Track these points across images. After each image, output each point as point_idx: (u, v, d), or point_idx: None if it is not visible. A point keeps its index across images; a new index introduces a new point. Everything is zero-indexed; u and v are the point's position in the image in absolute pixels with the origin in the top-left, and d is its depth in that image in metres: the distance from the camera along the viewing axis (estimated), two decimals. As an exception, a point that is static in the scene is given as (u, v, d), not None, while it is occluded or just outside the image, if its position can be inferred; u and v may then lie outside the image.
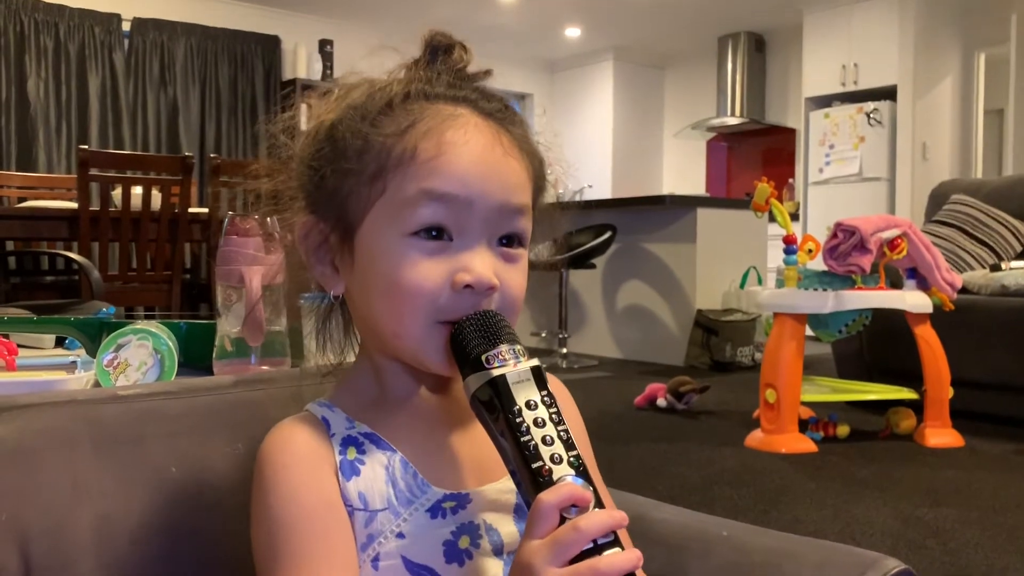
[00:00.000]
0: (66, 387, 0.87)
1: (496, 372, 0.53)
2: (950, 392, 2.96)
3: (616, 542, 0.49)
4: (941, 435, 2.95)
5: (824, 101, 6.80)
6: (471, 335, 0.55)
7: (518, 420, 0.52)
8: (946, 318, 3.03)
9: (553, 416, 0.52)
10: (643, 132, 8.57)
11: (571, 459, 0.51)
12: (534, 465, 0.50)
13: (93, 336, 1.11)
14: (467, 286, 0.57)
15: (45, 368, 0.96)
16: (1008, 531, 2.06)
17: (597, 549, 0.48)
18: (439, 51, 0.63)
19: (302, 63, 7.16)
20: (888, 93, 6.36)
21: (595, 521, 0.48)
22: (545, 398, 0.53)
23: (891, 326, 3.21)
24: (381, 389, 0.64)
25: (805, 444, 2.88)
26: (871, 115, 6.40)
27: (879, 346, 3.57)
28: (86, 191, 3.40)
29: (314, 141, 0.62)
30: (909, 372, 3.13)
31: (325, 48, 7.25)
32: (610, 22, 7.61)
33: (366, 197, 0.59)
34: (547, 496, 0.49)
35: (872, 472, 2.62)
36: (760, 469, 2.64)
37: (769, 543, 0.76)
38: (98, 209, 3.47)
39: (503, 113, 0.62)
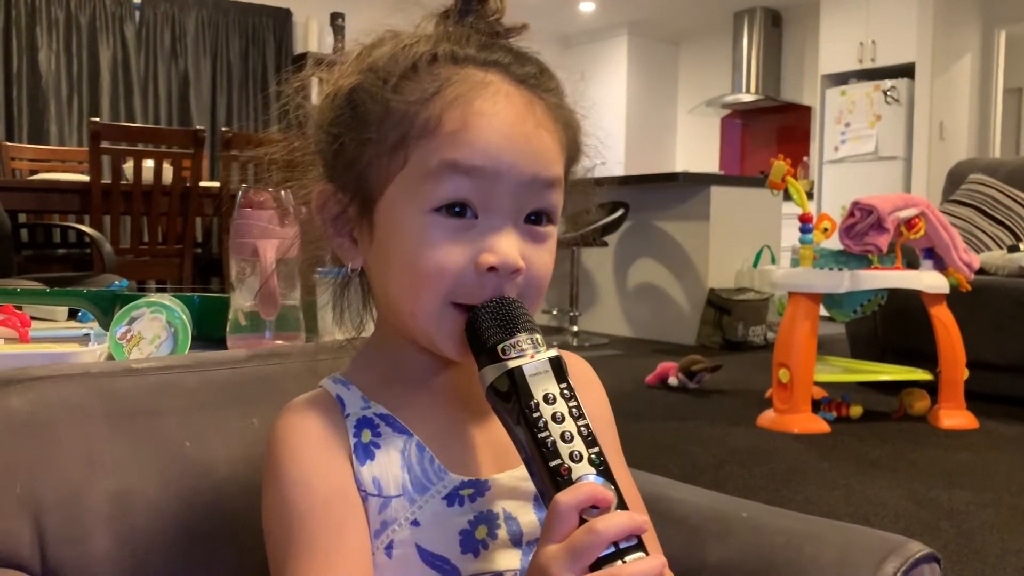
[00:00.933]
0: (79, 360, 0.86)
1: (513, 364, 0.50)
2: (965, 373, 2.94)
3: (639, 546, 0.46)
4: (955, 417, 2.94)
5: (840, 78, 6.73)
6: (487, 323, 0.52)
7: (535, 415, 0.49)
8: (962, 299, 3.00)
9: (573, 410, 0.49)
10: (657, 108, 8.50)
11: (592, 456, 0.48)
12: (552, 463, 0.48)
13: (106, 309, 1.10)
14: (491, 268, 0.53)
15: (58, 340, 0.95)
16: (1023, 513, 2.05)
17: (619, 554, 0.45)
18: (473, 0, 0.58)
19: (313, 36, 7.12)
20: (906, 71, 6.28)
21: (613, 523, 0.45)
22: (564, 391, 0.50)
23: (906, 306, 3.18)
24: (398, 367, 0.61)
25: (818, 424, 2.86)
26: (888, 93, 6.32)
27: (893, 326, 3.54)
28: (98, 164, 3.39)
29: (333, 105, 0.58)
30: (923, 353, 3.11)
31: (336, 21, 7.19)
32: (625, -3, 7.53)
33: (386, 168, 0.56)
34: (564, 497, 0.46)
35: (885, 453, 2.60)
36: (772, 449, 2.63)
37: (790, 525, 0.75)
38: (110, 182, 3.47)
39: (537, 79, 0.57)
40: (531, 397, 0.49)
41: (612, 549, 0.45)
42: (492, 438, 0.60)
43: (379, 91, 0.56)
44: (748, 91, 7.70)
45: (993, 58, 6.47)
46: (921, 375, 3.06)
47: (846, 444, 2.70)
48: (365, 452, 0.58)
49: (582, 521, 0.46)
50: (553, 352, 0.52)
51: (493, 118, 0.54)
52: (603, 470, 0.48)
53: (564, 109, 0.59)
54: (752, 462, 2.48)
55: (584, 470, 0.47)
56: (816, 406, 2.99)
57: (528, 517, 0.59)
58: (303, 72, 0.64)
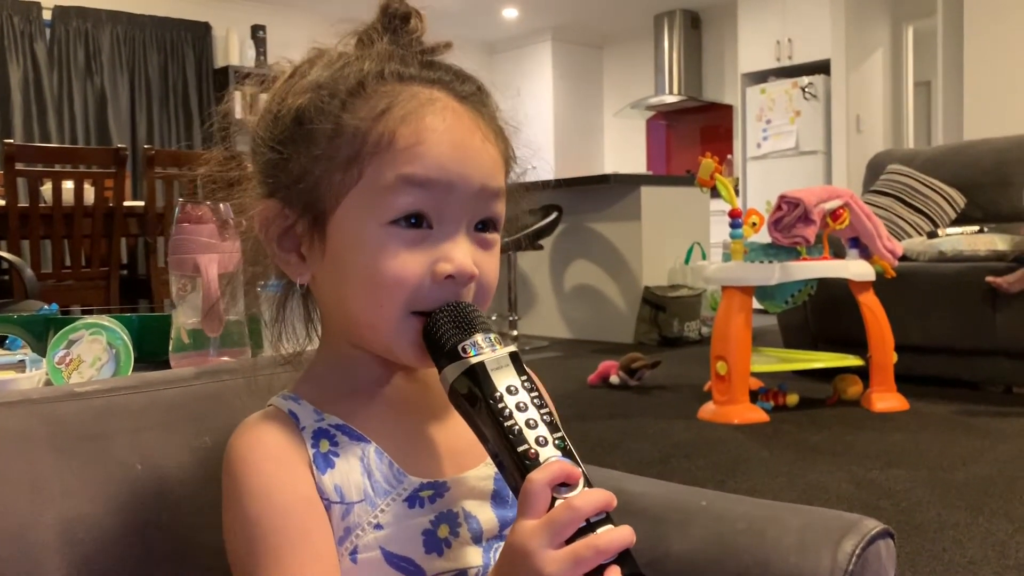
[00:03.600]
0: (17, 387, 0.83)
1: (474, 360, 0.52)
2: (894, 357, 3.04)
3: (608, 519, 0.48)
4: (887, 399, 3.04)
5: (760, 77, 6.90)
6: (444, 326, 0.54)
7: (500, 406, 0.51)
8: (888, 285, 3.11)
9: (535, 400, 0.51)
10: (583, 112, 8.59)
11: (556, 441, 0.50)
12: (520, 449, 0.49)
13: (39, 334, 1.06)
14: (448, 276, 0.56)
15: (-8, 368, 0.91)
16: (956, 488, 2.13)
17: (590, 527, 0.47)
18: (395, 18, 0.60)
19: (234, 50, 6.99)
20: (822, 67, 6.47)
21: (590, 500, 0.47)
22: (526, 383, 0.52)
23: (834, 295, 3.28)
24: (349, 379, 0.62)
25: (757, 414, 2.93)
26: (806, 89, 6.51)
27: (823, 315, 3.64)
28: (13, 187, 3.27)
29: (278, 123, 0.59)
30: (853, 340, 3.21)
31: (258, 34, 7.09)
32: (547, 2, 7.59)
33: (339, 183, 0.57)
34: (537, 475, 0.48)
35: (823, 438, 2.67)
36: (714, 440, 2.68)
37: (749, 510, 0.76)
38: (27, 205, 3.34)
39: (478, 96, 0.61)
40: (495, 389, 0.51)
41: (584, 523, 0.47)
42: (447, 442, 0.62)
43: (328, 107, 0.57)
44: (671, 92, 7.84)
45: (903, 53, 6.72)
46: (852, 361, 3.15)
47: (785, 432, 2.77)
48: (325, 461, 0.58)
49: (553, 500, 0.48)
50: (511, 347, 0.54)
51: (444, 133, 0.56)
52: (568, 452, 0.50)
53: (500, 123, 0.62)
54: (696, 454, 2.52)
55: (550, 453, 0.50)
56: (754, 396, 3.06)
57: (487, 515, 0.61)
58: (231, 88, 0.66)
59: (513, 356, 0.53)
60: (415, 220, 0.56)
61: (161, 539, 0.68)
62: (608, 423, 2.98)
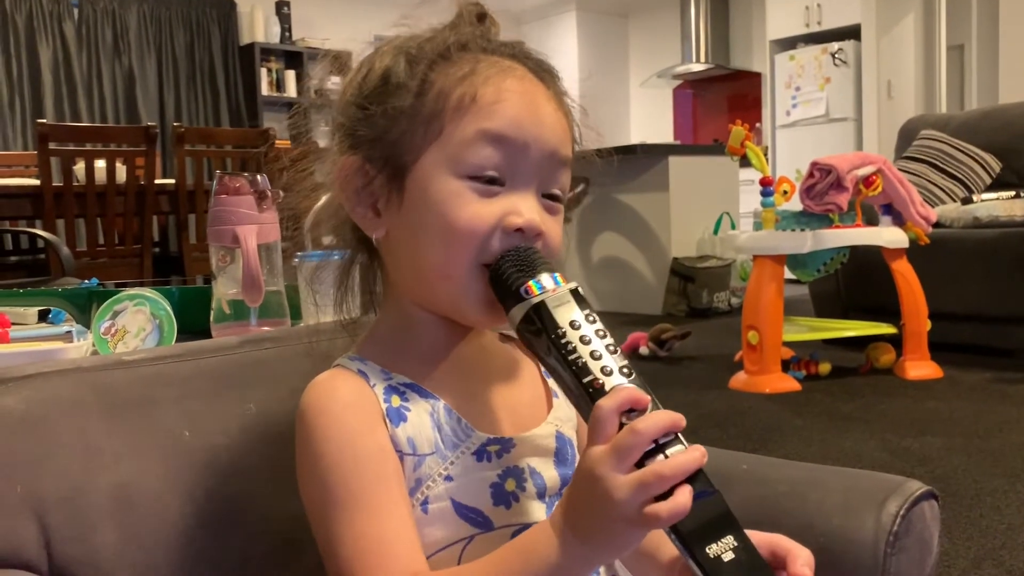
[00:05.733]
0: (67, 356, 0.85)
1: (536, 299, 0.54)
2: (928, 325, 3.01)
3: (678, 440, 0.49)
4: (920, 367, 3.01)
5: (789, 43, 6.78)
6: (509, 269, 0.56)
7: (564, 340, 0.52)
8: (921, 252, 3.07)
9: (599, 332, 0.53)
10: (609, 82, 8.50)
11: (622, 368, 0.51)
12: (586, 380, 0.51)
13: (82, 307, 1.07)
14: (518, 230, 0.58)
15: (41, 339, 0.93)
16: (992, 456, 2.11)
17: (659, 449, 0.48)
18: (472, 16, 0.64)
19: (259, 26, 7.00)
20: (852, 32, 6.35)
21: (653, 422, 0.48)
22: (588, 316, 0.53)
23: (866, 263, 3.24)
24: (413, 342, 0.64)
25: (789, 383, 2.91)
26: (836, 55, 6.40)
27: (855, 283, 3.60)
28: (47, 166, 3.31)
29: (365, 81, 0.62)
30: (885, 307, 3.17)
31: (282, 10, 7.08)
32: (571, -29, 7.50)
33: (421, 138, 0.60)
34: (605, 402, 0.49)
35: (856, 407, 2.66)
36: (746, 410, 2.67)
37: (791, 473, 0.76)
38: (61, 184, 3.38)
39: (551, 76, 0.65)
40: (557, 326, 0.53)
41: (653, 446, 0.48)
42: (509, 402, 0.65)
43: (416, 67, 0.60)
44: (698, 60, 7.73)
45: (935, 16, 6.57)
46: (885, 329, 3.12)
47: (817, 400, 2.75)
48: (397, 415, 0.60)
49: (622, 425, 0.49)
50: (572, 284, 0.55)
51: (523, 95, 0.60)
52: (634, 378, 0.51)
53: (569, 104, 0.66)
54: (728, 424, 2.52)
55: (616, 380, 0.51)
56: (785, 366, 3.04)
57: (550, 472, 0.63)
58: (317, 70, 0.71)
59: (575, 292, 0.55)
60: (489, 178, 0.59)
61: (209, 504, 0.69)
62: (639, 394, 2.98)
